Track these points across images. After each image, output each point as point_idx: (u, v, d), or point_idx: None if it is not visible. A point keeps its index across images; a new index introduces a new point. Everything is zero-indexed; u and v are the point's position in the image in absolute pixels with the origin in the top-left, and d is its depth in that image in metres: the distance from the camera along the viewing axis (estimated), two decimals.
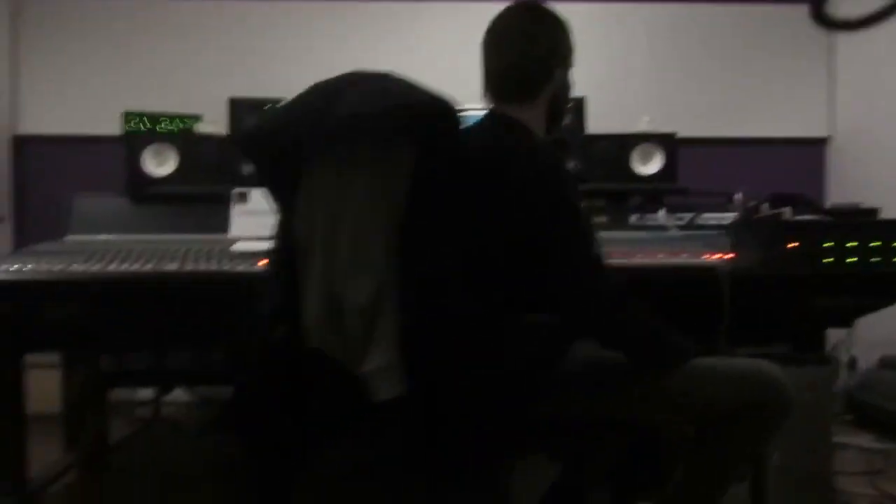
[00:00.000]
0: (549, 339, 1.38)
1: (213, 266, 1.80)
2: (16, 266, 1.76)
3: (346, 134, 1.25)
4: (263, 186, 1.43)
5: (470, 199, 1.28)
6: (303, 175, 1.30)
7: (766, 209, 1.80)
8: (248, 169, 2.55)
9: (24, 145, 3.30)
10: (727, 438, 1.36)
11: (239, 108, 2.61)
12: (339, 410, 1.35)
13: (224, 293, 1.78)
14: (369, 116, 1.23)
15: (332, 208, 1.27)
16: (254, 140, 1.38)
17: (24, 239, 3.19)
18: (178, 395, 3.19)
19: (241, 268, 1.80)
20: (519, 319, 1.32)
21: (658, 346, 1.36)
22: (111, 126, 2.78)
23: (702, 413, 1.36)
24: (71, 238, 2.33)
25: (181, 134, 2.66)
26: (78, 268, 1.76)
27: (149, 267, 1.79)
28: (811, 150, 3.47)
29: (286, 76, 3.17)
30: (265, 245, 2.02)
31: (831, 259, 1.70)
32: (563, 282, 1.31)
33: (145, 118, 2.71)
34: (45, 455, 2.38)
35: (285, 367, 1.35)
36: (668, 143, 2.55)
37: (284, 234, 1.37)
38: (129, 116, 2.72)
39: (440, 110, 1.27)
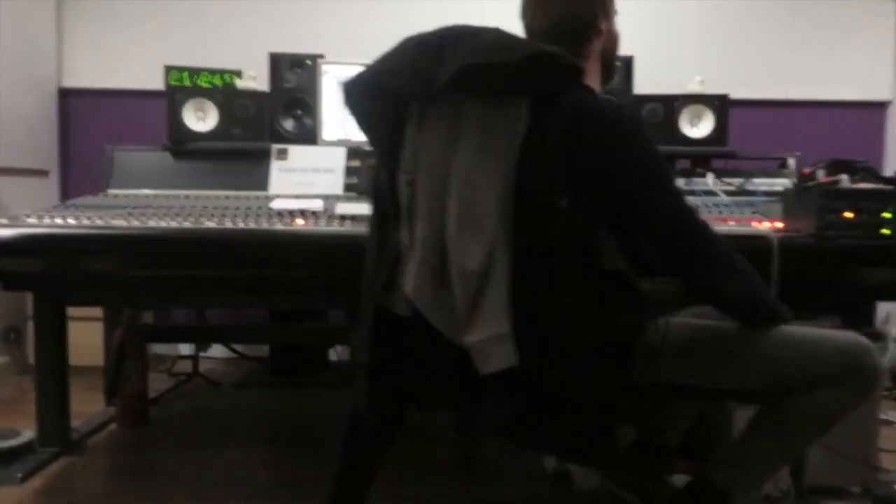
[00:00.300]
0: (655, 302, 1.35)
1: (251, 224, 1.79)
2: (57, 220, 1.78)
3: (461, 87, 1.17)
4: (368, 142, 1.37)
5: (574, 160, 1.20)
6: (406, 130, 1.25)
7: (821, 176, 1.72)
8: (288, 125, 2.54)
9: (68, 98, 3.33)
10: (809, 407, 1.32)
11: (279, 63, 2.58)
12: (443, 381, 1.32)
13: (262, 251, 1.77)
14: (491, 68, 1.16)
15: (439, 166, 1.21)
16: (353, 91, 1.31)
17: (68, 191, 3.25)
18: (216, 350, 3.24)
19: (279, 226, 1.79)
20: (630, 284, 1.28)
21: (760, 302, 1.31)
22: (153, 80, 2.78)
23: (792, 379, 1.31)
24: (112, 192, 2.35)
25: (222, 89, 2.64)
26: (117, 223, 1.76)
27: (187, 224, 1.79)
28: (872, 115, 3.31)
29: (327, 31, 3.15)
30: (304, 203, 2.03)
31: (889, 230, 1.63)
32: (666, 237, 1.26)
33: (186, 72, 2.70)
34: (87, 406, 2.44)
35: (386, 335, 1.31)
36: (719, 104, 2.46)
37: (386, 192, 1.31)
38: (170, 71, 2.71)
39: (564, 65, 1.20)
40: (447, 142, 1.21)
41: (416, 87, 1.22)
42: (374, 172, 1.38)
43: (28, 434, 2.15)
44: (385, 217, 1.32)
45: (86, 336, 2.54)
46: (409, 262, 1.23)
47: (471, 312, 1.18)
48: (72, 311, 2.19)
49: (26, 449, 2.12)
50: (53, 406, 2.14)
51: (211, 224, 1.78)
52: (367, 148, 2.33)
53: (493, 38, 1.20)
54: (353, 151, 2.38)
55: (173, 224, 1.77)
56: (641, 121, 1.30)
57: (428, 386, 1.36)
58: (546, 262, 1.20)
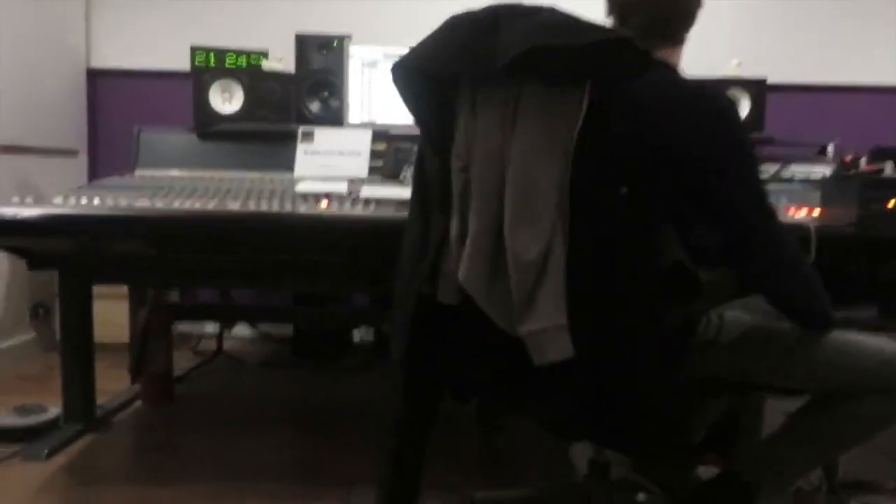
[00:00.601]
0: (712, 296, 1.31)
1: (275, 206, 1.77)
2: (83, 200, 1.78)
3: (520, 69, 1.11)
4: (416, 124, 1.31)
5: (643, 146, 1.16)
6: (458, 114, 1.20)
7: (863, 164, 1.66)
8: (314, 107, 2.52)
9: (96, 78, 3.34)
10: (855, 413, 1.29)
11: (305, 44, 2.55)
12: (489, 371, 1.29)
13: (286, 233, 1.75)
14: (557, 51, 1.10)
15: (494, 153, 1.16)
16: (402, 72, 1.25)
17: (97, 171, 3.27)
18: (241, 330, 3.25)
19: (303, 208, 1.77)
20: (689, 276, 1.23)
21: (815, 309, 1.28)
22: (181, 61, 2.77)
23: (843, 385, 1.29)
24: (139, 173, 2.35)
25: (248, 70, 2.62)
26: (142, 204, 1.75)
27: (211, 205, 1.77)
28: None
29: (354, 12, 3.12)
30: (329, 185, 2.01)
31: None
32: (738, 229, 1.22)
33: (212, 53, 2.69)
34: (112, 384, 2.46)
35: (426, 323, 1.27)
36: (756, 88, 2.38)
37: (434, 178, 1.26)
38: (196, 52, 2.70)
39: (629, 49, 1.13)
40: (502, 127, 1.16)
41: (471, 69, 1.16)
42: (419, 157, 1.33)
43: (54, 410, 2.18)
44: (429, 203, 1.27)
45: (112, 314, 2.55)
46: (459, 251, 1.19)
47: (527, 302, 1.14)
48: (98, 288, 2.21)
49: (52, 425, 2.14)
50: (79, 383, 2.16)
51: (235, 206, 1.76)
52: (394, 132, 2.34)
53: (554, 19, 1.13)
54: (379, 134, 2.35)
55: (197, 206, 1.76)
56: (732, 106, 1.26)
57: (471, 375, 1.33)
58: (604, 252, 1.16)
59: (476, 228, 1.17)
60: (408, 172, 1.99)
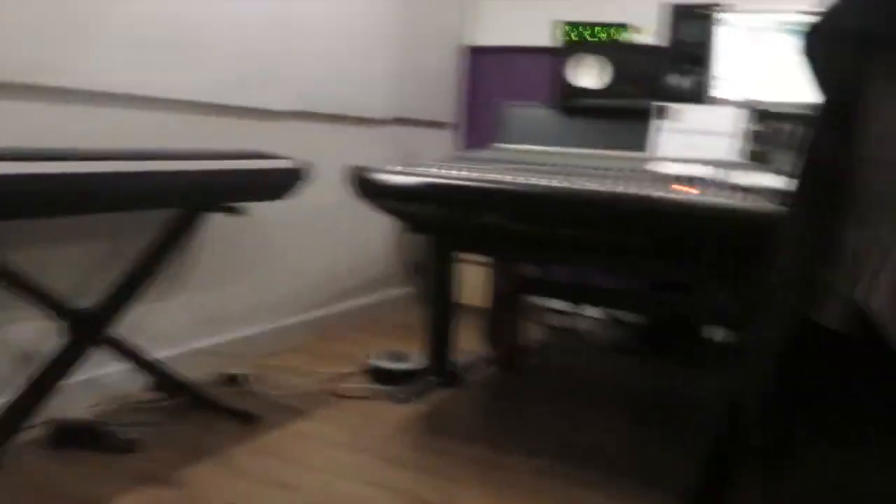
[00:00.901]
0: None
1: (632, 188, 1.68)
2: (452, 171, 1.88)
3: None
4: (819, 101, 1.11)
5: None
6: (875, 89, 1.00)
7: None
8: (685, 82, 2.35)
9: (475, 55, 3.57)
10: None
11: (675, 14, 2.39)
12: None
13: (643, 217, 1.65)
14: None
15: None
16: (810, 37, 1.07)
17: (473, 142, 3.51)
18: (593, 310, 3.24)
19: (663, 192, 1.66)
20: None
21: None
22: (548, 36, 2.81)
23: None
24: (502, 146, 2.44)
25: (614, 44, 2.56)
26: (500, 178, 1.79)
27: (569, 184, 1.74)
28: None
29: None
30: (694, 168, 1.86)
31: None
32: None
33: (580, 28, 2.67)
34: (469, 344, 2.61)
35: (802, 348, 1.11)
36: None
37: (831, 170, 1.08)
38: (563, 27, 2.70)
39: None
40: None
41: (889, 29, 0.94)
42: (812, 141, 1.12)
43: (419, 360, 2.38)
44: (822, 202, 1.07)
45: (477, 278, 2.70)
46: (861, 265, 0.99)
47: None
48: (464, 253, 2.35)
49: (416, 374, 2.36)
50: (441, 340, 2.32)
51: (593, 186, 1.71)
52: (774, 110, 2.07)
53: None
54: (757, 113, 2.11)
55: (552, 183, 1.75)
56: None
57: (850, 419, 1.12)
58: None
59: (893, 240, 0.95)
60: (788, 159, 1.75)
